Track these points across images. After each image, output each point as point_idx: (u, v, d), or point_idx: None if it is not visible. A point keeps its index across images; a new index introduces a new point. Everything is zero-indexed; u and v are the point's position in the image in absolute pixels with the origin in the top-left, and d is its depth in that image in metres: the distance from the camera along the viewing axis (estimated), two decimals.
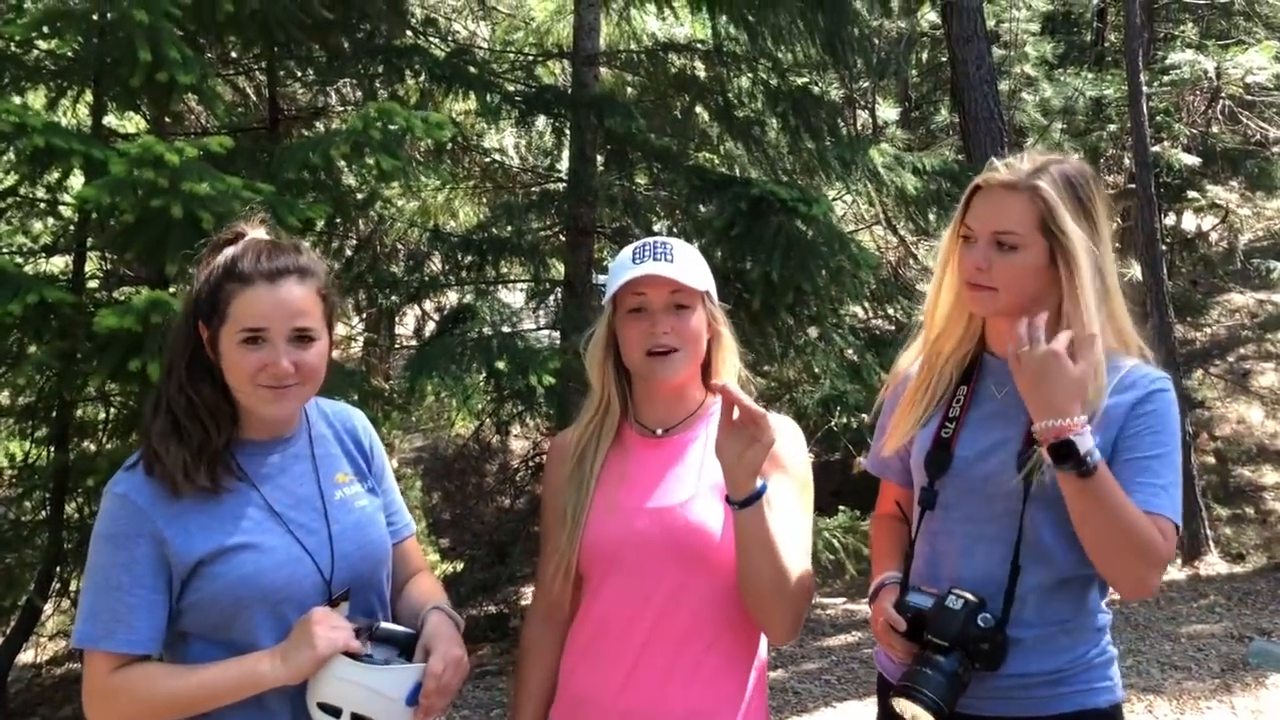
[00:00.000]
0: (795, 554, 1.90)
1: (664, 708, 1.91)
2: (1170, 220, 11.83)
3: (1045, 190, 1.82)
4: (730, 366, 2.02)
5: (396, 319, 10.84)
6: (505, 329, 6.17)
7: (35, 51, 4.93)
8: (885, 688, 2.02)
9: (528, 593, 7.76)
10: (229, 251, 1.80)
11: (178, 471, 1.72)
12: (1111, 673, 1.93)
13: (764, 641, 2.03)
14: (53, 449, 5.38)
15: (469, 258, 6.74)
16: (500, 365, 5.46)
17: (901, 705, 1.80)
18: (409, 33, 6.75)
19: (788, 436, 1.99)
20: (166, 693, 1.71)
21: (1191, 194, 11.27)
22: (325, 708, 1.69)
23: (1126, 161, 11.31)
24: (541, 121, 7.05)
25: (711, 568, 1.91)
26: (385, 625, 1.79)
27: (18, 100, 4.57)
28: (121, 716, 1.74)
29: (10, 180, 5.03)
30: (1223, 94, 11.06)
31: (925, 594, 1.88)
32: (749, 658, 1.99)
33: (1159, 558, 1.78)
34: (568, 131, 6.71)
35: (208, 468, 1.75)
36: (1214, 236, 12.07)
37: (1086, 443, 1.71)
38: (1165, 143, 10.96)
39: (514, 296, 8.03)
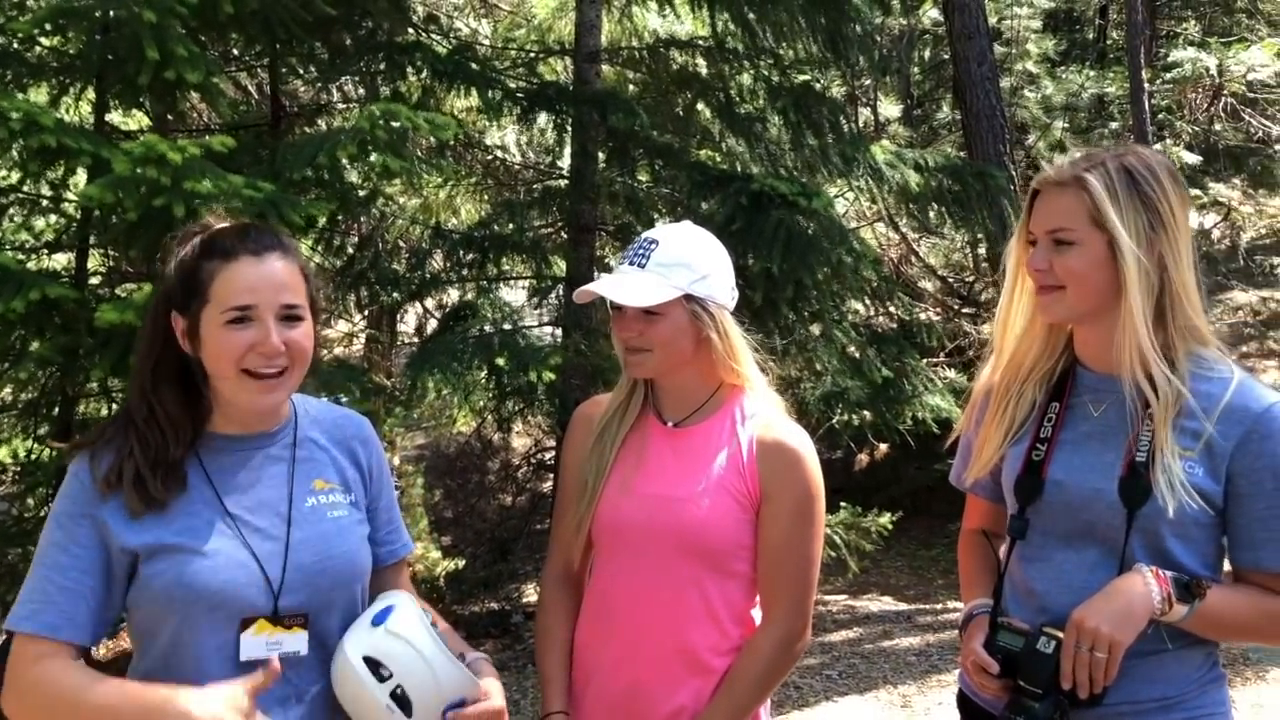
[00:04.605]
0: (787, 575, 1.96)
1: (661, 691, 1.96)
2: None
3: (1090, 182, 1.75)
4: (740, 359, 2.04)
5: (398, 316, 10.87)
6: (506, 326, 6.16)
7: (38, 48, 4.93)
8: (965, 704, 2.00)
9: (529, 589, 7.77)
10: (200, 236, 1.69)
11: (129, 486, 1.61)
12: (1222, 695, 1.85)
13: None
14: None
15: (470, 255, 6.74)
16: (501, 362, 5.47)
17: None
18: (411, 30, 6.74)
19: (788, 460, 1.99)
20: (71, 701, 1.55)
21: (1194, 191, 11.27)
22: (371, 663, 1.62)
23: None
24: (543, 118, 7.04)
25: (712, 561, 1.95)
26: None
27: (21, 97, 4.57)
28: (28, 714, 1.59)
29: (14, 177, 5.04)
30: (1225, 91, 11.08)
31: (1015, 633, 1.79)
32: None
33: None
34: (569, 128, 6.69)
35: (161, 480, 1.62)
36: (1216, 234, 12.06)
37: (1176, 614, 1.71)
38: (1167, 140, 10.97)
39: (515, 294, 8.03)
